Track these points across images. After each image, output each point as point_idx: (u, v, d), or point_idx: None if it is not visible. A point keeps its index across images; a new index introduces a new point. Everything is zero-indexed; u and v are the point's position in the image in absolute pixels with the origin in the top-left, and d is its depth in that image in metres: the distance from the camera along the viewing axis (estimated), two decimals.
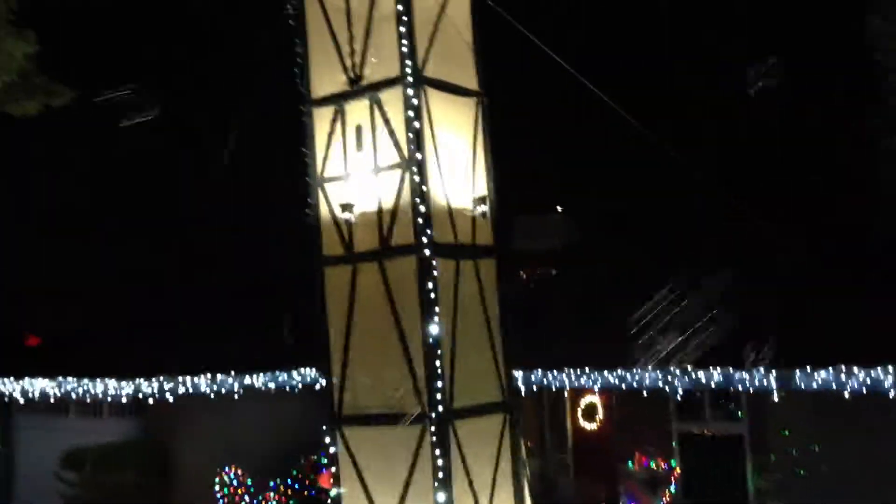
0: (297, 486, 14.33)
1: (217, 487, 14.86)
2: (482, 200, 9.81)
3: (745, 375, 10.07)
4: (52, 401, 16.81)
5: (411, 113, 9.12)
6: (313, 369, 15.47)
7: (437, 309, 9.04)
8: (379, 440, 9.26)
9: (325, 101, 9.75)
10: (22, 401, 17.28)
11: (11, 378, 17.15)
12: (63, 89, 11.23)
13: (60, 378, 16.32)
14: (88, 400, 16.46)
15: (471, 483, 9.07)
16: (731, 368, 10.22)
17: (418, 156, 9.09)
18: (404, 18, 9.16)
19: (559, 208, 15.78)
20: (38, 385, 16.86)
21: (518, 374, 11.00)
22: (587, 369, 11.46)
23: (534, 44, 9.86)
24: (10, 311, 19.30)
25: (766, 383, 9.94)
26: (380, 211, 9.32)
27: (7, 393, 17.25)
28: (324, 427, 9.64)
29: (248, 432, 14.84)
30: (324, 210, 9.76)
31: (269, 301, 15.97)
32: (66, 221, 18.13)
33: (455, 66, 9.81)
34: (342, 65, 9.56)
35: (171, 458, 15.99)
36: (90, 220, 17.84)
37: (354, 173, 9.52)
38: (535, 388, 12.11)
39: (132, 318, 17.02)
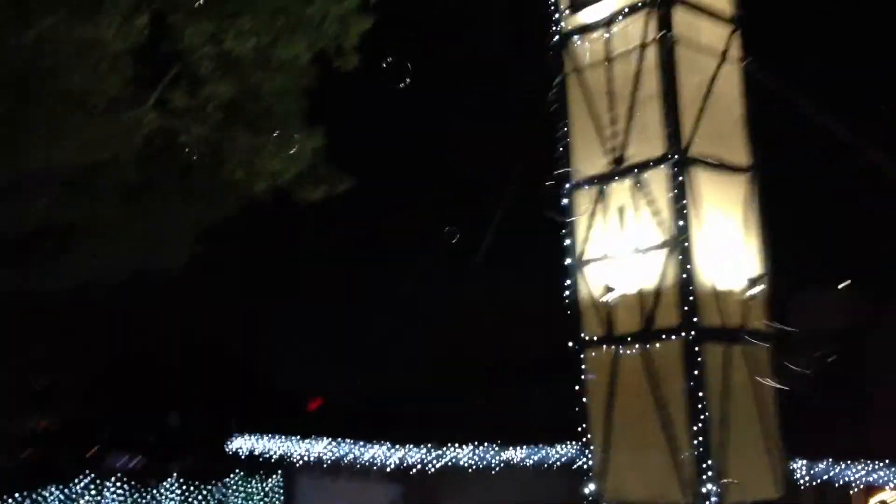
0: None
1: None
2: (755, 281, 9.25)
3: None
4: (326, 464, 17.94)
5: (676, 192, 8.87)
6: (572, 444, 15.27)
7: (704, 395, 8.58)
8: None
9: (586, 182, 9.76)
10: (302, 462, 18.59)
11: (296, 438, 18.55)
12: (346, 177, 12.14)
13: (337, 440, 17.39)
14: (359, 465, 17.35)
15: None
16: None
17: (684, 236, 8.79)
18: (670, 97, 9.00)
19: (844, 283, 14.55)
20: (317, 448, 18.08)
21: (798, 465, 10.11)
22: (882, 463, 10.27)
23: (807, 109, 9.28)
24: (296, 377, 21.04)
25: None
26: (642, 293, 9.09)
27: (290, 454, 18.65)
28: None
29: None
30: (583, 291, 9.68)
31: (525, 378, 16.09)
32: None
33: (724, 142, 9.45)
34: (604, 147, 9.54)
35: None
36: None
37: (616, 255, 9.39)
38: (816, 483, 11.06)
39: (403, 387, 17.83)
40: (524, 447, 15.99)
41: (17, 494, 18.28)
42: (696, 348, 8.67)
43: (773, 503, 9.02)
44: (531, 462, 15.90)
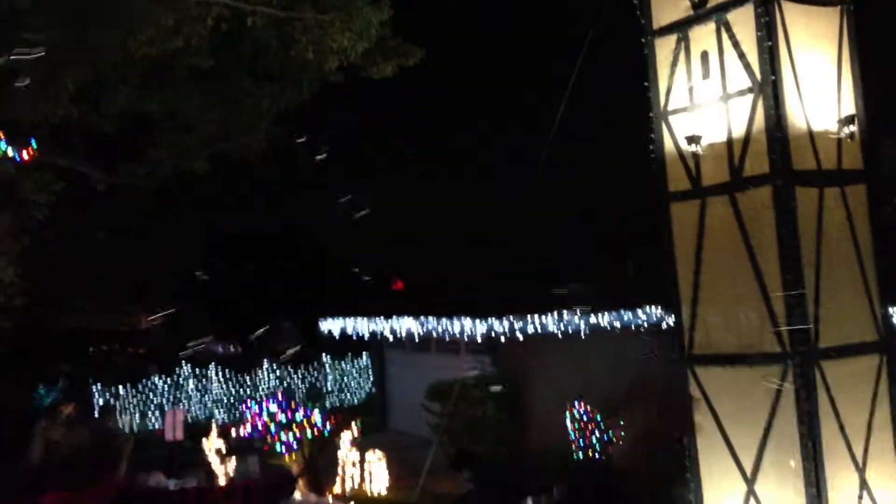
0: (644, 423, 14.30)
1: (567, 422, 15.32)
2: (850, 120, 8.85)
3: None
4: (416, 339, 18.44)
5: (764, 31, 8.44)
6: (659, 307, 15.29)
7: (797, 242, 8.39)
8: (734, 381, 8.89)
9: (666, 29, 9.38)
10: (391, 339, 19.15)
11: (382, 317, 19.06)
12: (415, 50, 11.96)
13: (423, 318, 17.80)
14: (448, 338, 17.77)
15: (841, 428, 8.38)
16: None
17: (773, 77, 8.41)
18: None
19: None
20: (405, 324, 18.56)
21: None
22: None
23: None
24: (380, 258, 21.40)
25: None
26: (730, 140, 8.81)
27: (379, 331, 19.22)
28: (674, 364, 9.46)
29: (595, 370, 15.06)
30: (668, 144, 9.45)
31: (614, 241, 15.98)
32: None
33: None
34: None
35: (522, 394, 16.78)
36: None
37: (701, 103, 9.08)
38: None
39: (488, 262, 17.99)
40: (610, 312, 16.06)
41: (129, 385, 19.42)
42: (789, 193, 8.42)
43: (873, 345, 8.88)
44: (618, 326, 15.98)
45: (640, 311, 15.98)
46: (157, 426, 16.89)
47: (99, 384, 18.57)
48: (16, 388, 16.94)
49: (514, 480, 9.22)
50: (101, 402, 18.26)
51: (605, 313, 16.11)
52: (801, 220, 8.47)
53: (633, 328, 15.82)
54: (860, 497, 8.38)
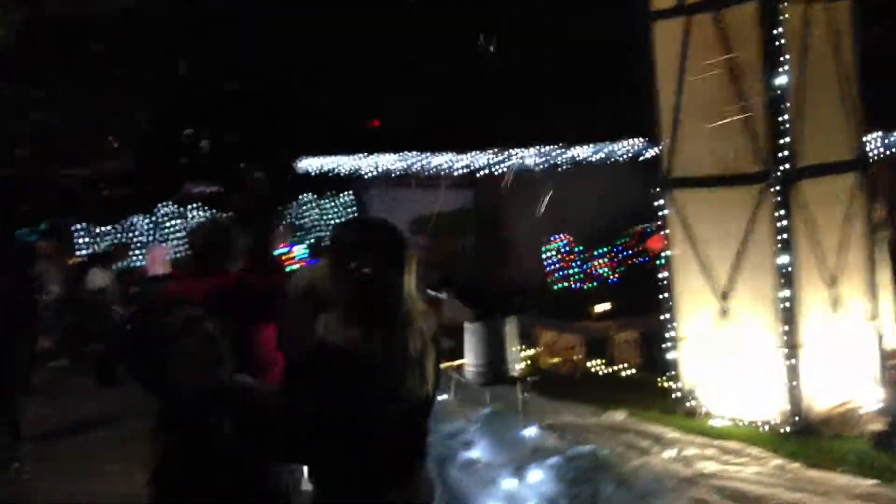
0: (624, 253, 14.59)
1: (546, 255, 15.59)
2: None
3: None
4: (396, 175, 18.39)
5: None
6: (639, 139, 15.24)
7: (782, 59, 8.23)
8: (712, 202, 8.94)
9: None
10: (372, 176, 19.10)
11: (362, 154, 18.93)
12: None
13: (403, 153, 17.71)
14: (428, 174, 17.75)
15: (815, 246, 8.53)
16: None
17: None
18: None
19: None
20: (385, 161, 18.46)
21: (873, 135, 9.89)
22: None
23: None
24: (354, 97, 20.97)
25: None
26: None
27: (359, 168, 19.14)
28: (653, 190, 9.47)
29: (575, 203, 15.17)
30: None
31: (589, 71, 15.69)
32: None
33: None
34: None
35: (502, 227, 16.95)
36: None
37: None
38: (892, 152, 10.88)
39: (466, 95, 17.70)
40: (590, 145, 16.00)
41: (108, 225, 19.41)
42: (774, 10, 8.18)
43: (850, 164, 8.91)
44: (597, 158, 15.98)
45: (619, 144, 15.95)
46: (140, 265, 17.00)
47: (79, 224, 18.56)
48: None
49: (494, 297, 9.38)
50: (82, 241, 18.33)
51: (584, 146, 16.06)
52: (787, 37, 8.27)
53: (612, 161, 15.83)
54: (833, 311, 8.63)
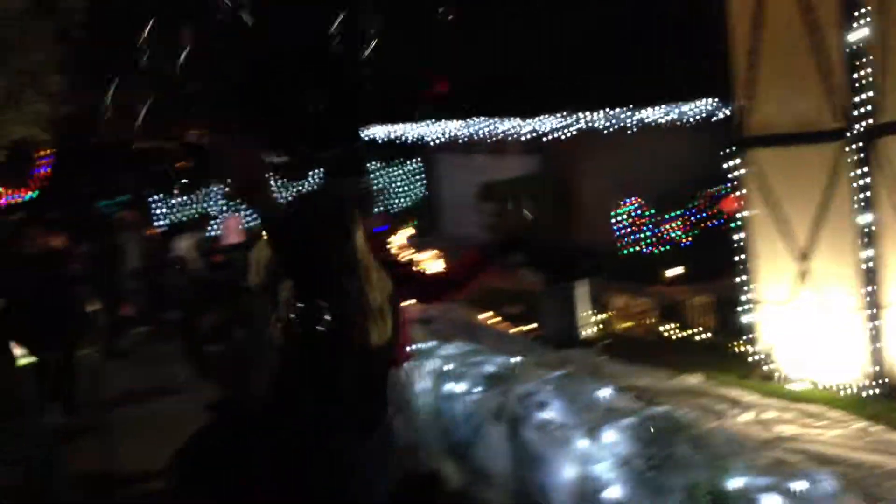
0: (696, 215, 14.33)
1: (617, 218, 15.40)
2: None
3: None
4: (464, 141, 18.36)
5: None
6: (711, 100, 14.87)
7: (861, 10, 7.93)
8: (790, 160, 8.71)
9: None
10: (439, 142, 19.11)
11: (429, 121, 18.94)
12: None
13: (470, 119, 17.66)
14: (496, 139, 17.66)
15: None
16: None
17: None
18: None
19: None
20: (452, 127, 18.43)
21: None
22: None
23: None
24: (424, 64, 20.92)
25: None
26: None
27: (426, 135, 19.16)
28: (728, 149, 9.27)
29: (646, 166, 14.94)
30: None
31: (660, 30, 15.36)
32: None
33: None
34: None
35: (571, 191, 16.82)
36: None
37: None
38: None
39: (532, 59, 17.51)
40: (660, 106, 15.71)
41: (184, 196, 19.91)
42: None
43: None
44: (667, 120, 15.68)
45: (690, 104, 15.60)
46: (215, 234, 17.42)
47: (157, 195, 19.09)
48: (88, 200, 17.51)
49: (564, 262, 9.34)
50: (159, 211, 18.86)
51: (654, 107, 15.76)
52: None
53: (683, 123, 15.50)
54: None
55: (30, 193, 18.76)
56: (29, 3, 15.03)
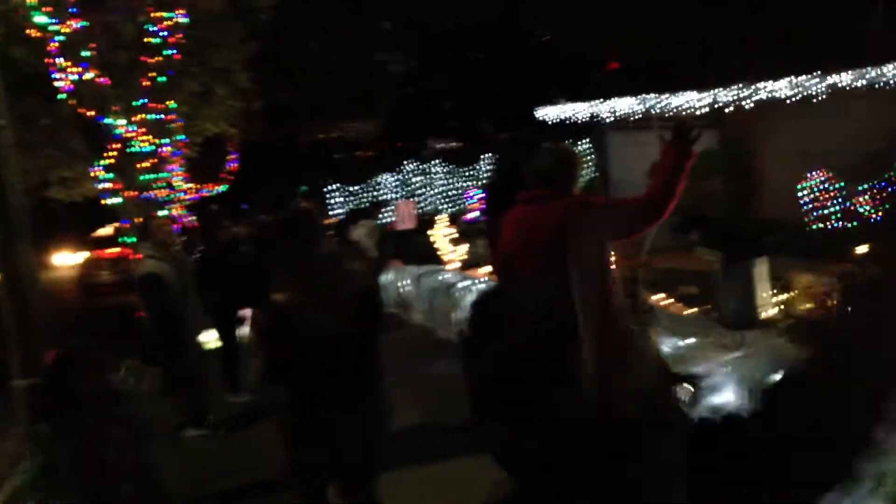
0: (890, 189, 13.23)
1: (802, 192, 14.49)
2: None
3: None
4: (637, 118, 17.82)
5: None
6: None
7: None
8: None
9: None
10: (611, 119, 18.67)
11: (600, 99, 18.54)
12: None
13: (643, 95, 17.10)
14: (670, 114, 17.03)
15: None
16: None
17: None
18: None
19: None
20: (622, 105, 17.95)
21: None
22: None
23: None
24: (594, 40, 20.54)
25: None
26: None
27: (597, 113, 18.78)
28: None
29: (834, 136, 13.93)
30: None
31: None
32: None
33: None
34: None
35: (753, 165, 15.97)
36: None
37: None
38: None
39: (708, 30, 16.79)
40: (851, 70, 14.60)
41: (356, 186, 20.61)
42: None
43: None
44: (860, 85, 14.55)
45: (886, 67, 14.39)
46: (388, 221, 17.91)
47: (332, 185, 19.84)
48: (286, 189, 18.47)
49: (744, 239, 8.88)
50: (334, 200, 19.61)
51: (845, 72, 14.67)
52: None
53: (877, 87, 14.35)
54: None
55: (219, 188, 19.99)
56: (224, 5, 15.95)
